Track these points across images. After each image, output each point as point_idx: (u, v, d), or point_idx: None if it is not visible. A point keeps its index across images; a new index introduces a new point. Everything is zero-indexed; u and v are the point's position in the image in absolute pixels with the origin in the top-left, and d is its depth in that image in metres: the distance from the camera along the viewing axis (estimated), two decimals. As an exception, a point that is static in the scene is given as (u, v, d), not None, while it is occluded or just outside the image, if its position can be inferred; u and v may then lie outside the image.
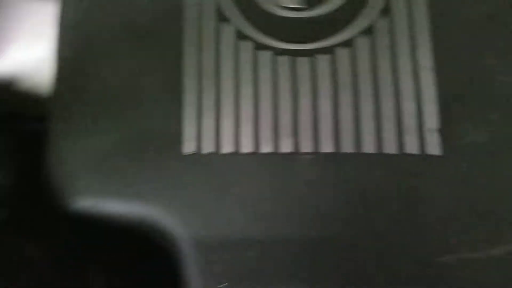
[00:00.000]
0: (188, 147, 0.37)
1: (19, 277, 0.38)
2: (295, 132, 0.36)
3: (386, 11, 0.37)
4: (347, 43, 0.37)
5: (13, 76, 0.47)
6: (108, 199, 0.37)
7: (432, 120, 0.35)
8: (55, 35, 0.41)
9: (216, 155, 0.36)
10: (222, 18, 0.38)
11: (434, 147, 0.35)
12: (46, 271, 0.39)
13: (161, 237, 0.37)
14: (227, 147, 0.36)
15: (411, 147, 0.34)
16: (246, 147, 0.36)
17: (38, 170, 0.40)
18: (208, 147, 0.36)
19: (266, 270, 0.35)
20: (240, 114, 0.36)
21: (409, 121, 0.35)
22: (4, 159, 0.44)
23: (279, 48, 0.37)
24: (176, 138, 0.37)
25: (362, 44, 0.37)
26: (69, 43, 0.40)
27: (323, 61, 0.36)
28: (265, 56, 0.37)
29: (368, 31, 0.37)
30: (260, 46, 0.38)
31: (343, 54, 0.36)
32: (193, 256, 0.36)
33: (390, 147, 0.34)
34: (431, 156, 0.35)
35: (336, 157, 0.35)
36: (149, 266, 0.39)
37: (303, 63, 0.37)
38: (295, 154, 0.35)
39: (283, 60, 0.37)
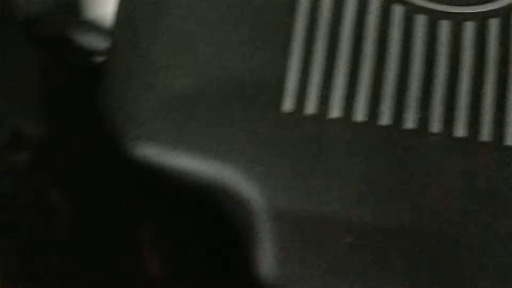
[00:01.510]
0: (288, 104, 0.31)
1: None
2: (424, 107, 0.30)
3: None
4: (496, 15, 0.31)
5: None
6: (178, 151, 0.31)
7: None
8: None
9: (320, 118, 0.30)
10: None
11: None
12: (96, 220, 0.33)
13: (234, 204, 0.31)
14: (335, 111, 0.30)
15: None
16: (359, 114, 0.30)
17: (98, 109, 0.34)
18: (312, 108, 0.31)
19: (357, 261, 0.30)
20: (357, 75, 0.30)
21: None
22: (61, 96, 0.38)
23: (413, 4, 0.31)
24: (274, 92, 0.31)
25: None
26: None
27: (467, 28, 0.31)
28: (397, 10, 0.31)
29: None
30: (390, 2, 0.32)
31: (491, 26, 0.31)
32: (269, 232, 0.30)
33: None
34: None
35: (468, 144, 0.29)
36: (211, 234, 0.33)
37: (443, 27, 0.31)
38: (419, 132, 0.29)
39: (418, 17, 0.31)
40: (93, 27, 0.41)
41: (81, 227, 0.34)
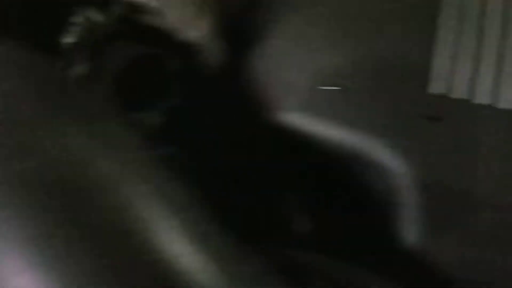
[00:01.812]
0: (436, 86, 0.33)
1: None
2: None
3: None
4: None
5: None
6: (331, 123, 0.34)
7: None
8: None
9: (467, 102, 0.33)
10: None
11: None
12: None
13: (377, 178, 0.34)
14: (483, 97, 0.33)
15: None
16: (507, 102, 0.32)
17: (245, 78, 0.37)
18: (459, 92, 0.33)
19: (495, 236, 0.32)
20: (504, 63, 0.33)
21: None
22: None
23: None
24: (422, 74, 0.33)
25: None
26: None
27: None
28: None
29: None
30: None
31: None
32: (415, 204, 0.33)
33: None
34: None
35: None
36: (355, 201, 0.35)
37: None
38: None
39: None
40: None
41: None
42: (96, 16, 0.53)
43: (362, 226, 0.35)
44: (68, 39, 0.55)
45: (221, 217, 0.26)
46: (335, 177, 0.36)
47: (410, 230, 0.33)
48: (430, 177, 0.33)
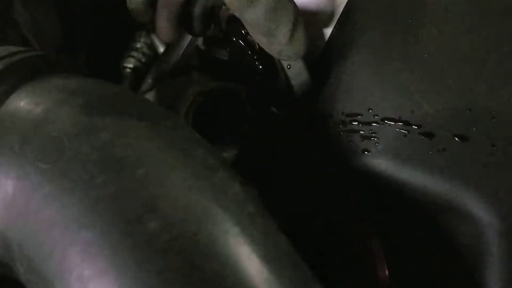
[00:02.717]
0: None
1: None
2: None
3: None
4: None
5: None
6: (418, 169, 0.34)
7: None
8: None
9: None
10: None
11: None
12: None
13: (467, 222, 0.34)
14: None
15: None
16: None
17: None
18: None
19: None
20: None
21: None
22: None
23: None
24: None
25: None
26: None
27: None
28: None
29: None
30: None
31: None
32: (503, 250, 0.32)
33: None
34: None
35: None
36: (441, 246, 0.36)
37: None
38: None
39: None
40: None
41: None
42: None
43: (446, 276, 0.35)
44: (129, 64, 0.56)
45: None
46: (424, 226, 0.36)
47: (497, 282, 0.33)
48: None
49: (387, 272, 0.35)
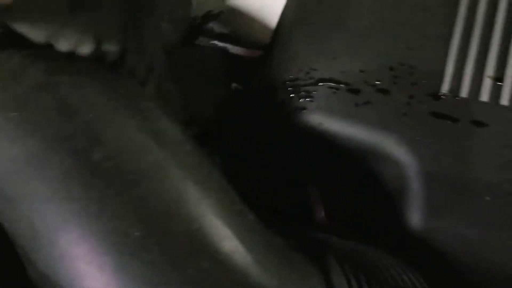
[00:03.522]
0: (446, 87, 0.38)
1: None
2: None
3: None
4: None
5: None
6: (351, 122, 0.39)
7: None
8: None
9: (472, 101, 0.38)
10: None
11: None
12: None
13: (389, 167, 0.39)
14: (484, 96, 0.38)
15: None
16: (505, 99, 0.37)
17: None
18: (465, 92, 0.38)
19: (498, 218, 0.36)
20: (504, 68, 0.38)
21: None
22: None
23: None
24: (435, 76, 0.39)
25: None
26: None
27: None
28: None
29: None
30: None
31: None
32: (421, 190, 0.38)
33: None
34: None
35: None
36: (371, 189, 0.41)
37: None
38: None
39: None
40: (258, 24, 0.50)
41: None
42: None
43: (375, 211, 0.40)
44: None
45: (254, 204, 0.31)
46: (354, 170, 0.41)
47: (420, 214, 0.38)
48: (435, 167, 0.38)
49: (323, 213, 0.40)
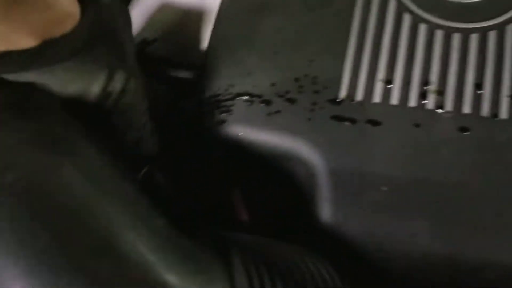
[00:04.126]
0: (343, 93, 0.43)
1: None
2: (441, 93, 0.42)
3: None
4: (496, 27, 0.43)
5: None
6: (264, 130, 0.44)
7: None
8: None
9: (366, 103, 0.43)
10: None
11: None
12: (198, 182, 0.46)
13: (302, 166, 0.44)
14: (377, 98, 0.43)
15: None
16: (394, 99, 0.42)
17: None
18: (360, 96, 0.43)
19: (394, 206, 0.41)
20: (393, 72, 0.43)
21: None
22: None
23: (434, 23, 0.44)
24: (334, 85, 0.44)
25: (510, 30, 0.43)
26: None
27: (472, 39, 0.43)
28: (422, 28, 0.44)
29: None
30: (418, 19, 0.44)
31: (491, 36, 0.43)
32: (327, 186, 0.42)
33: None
34: None
35: (473, 118, 0.41)
36: (286, 189, 0.45)
37: (454, 38, 0.43)
38: (437, 111, 0.42)
39: (438, 33, 0.44)
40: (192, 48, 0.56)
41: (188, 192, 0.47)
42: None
43: (291, 209, 0.45)
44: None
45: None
46: (271, 173, 0.46)
47: (326, 208, 0.43)
48: (339, 164, 0.42)
49: (245, 213, 0.45)
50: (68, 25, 0.35)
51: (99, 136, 0.35)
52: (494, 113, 0.40)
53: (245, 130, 0.45)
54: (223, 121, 0.45)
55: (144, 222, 0.31)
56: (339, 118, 0.43)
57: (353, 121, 0.42)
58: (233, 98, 0.46)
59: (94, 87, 0.38)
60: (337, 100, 0.43)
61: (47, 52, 0.34)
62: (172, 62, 0.55)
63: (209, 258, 0.32)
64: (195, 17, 0.55)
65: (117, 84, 0.40)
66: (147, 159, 0.44)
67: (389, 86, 0.42)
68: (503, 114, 0.40)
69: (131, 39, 0.43)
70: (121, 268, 0.29)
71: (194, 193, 0.46)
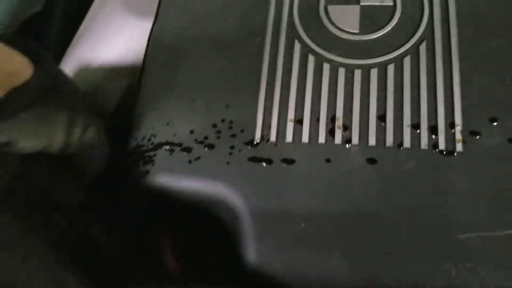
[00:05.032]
0: (258, 135, 0.45)
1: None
2: (347, 128, 0.44)
3: (426, 38, 0.47)
4: (393, 61, 0.46)
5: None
6: (187, 177, 0.46)
7: (458, 124, 0.43)
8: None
9: (280, 143, 0.45)
10: (294, 36, 0.48)
11: (458, 145, 0.43)
12: (128, 234, 0.47)
13: (225, 210, 0.45)
14: (289, 137, 0.45)
15: (442, 144, 0.43)
16: (305, 137, 0.44)
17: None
18: (273, 137, 0.45)
19: (313, 239, 0.42)
20: (302, 111, 0.45)
21: (441, 123, 0.43)
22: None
23: (336, 61, 0.46)
24: (249, 128, 0.46)
25: (406, 63, 0.46)
26: (162, 49, 0.50)
27: (373, 73, 0.45)
28: (326, 67, 0.46)
29: (412, 52, 0.46)
30: (321, 59, 0.47)
31: (389, 69, 0.45)
32: (251, 225, 0.43)
33: (425, 144, 0.43)
34: (455, 152, 0.42)
35: (379, 149, 0.43)
36: (213, 232, 0.47)
37: (356, 74, 0.46)
38: (346, 145, 0.43)
39: (341, 70, 0.46)
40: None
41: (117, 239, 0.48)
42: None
43: (220, 253, 0.46)
44: None
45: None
46: (199, 218, 0.47)
47: (252, 247, 0.44)
48: (259, 203, 0.44)
49: (175, 262, 0.46)
50: (21, 80, 0.38)
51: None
52: (398, 143, 0.42)
53: (168, 179, 0.46)
54: (147, 172, 0.46)
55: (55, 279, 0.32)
56: (256, 160, 0.44)
57: (269, 161, 0.44)
58: (155, 148, 0.47)
59: (55, 138, 0.41)
60: (253, 143, 0.44)
61: (7, 103, 0.37)
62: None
63: None
64: (121, 72, 0.57)
65: (77, 133, 0.43)
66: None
67: (299, 125, 0.44)
68: (406, 143, 0.42)
69: (79, 91, 0.45)
70: None
71: (126, 243, 0.47)
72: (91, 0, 0.64)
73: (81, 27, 0.62)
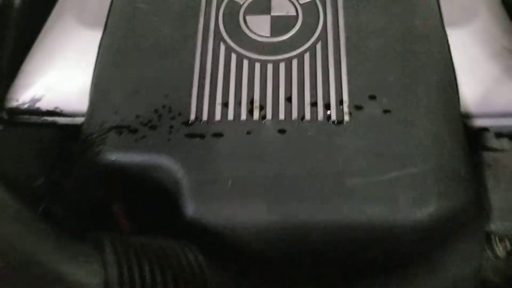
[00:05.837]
0: (192, 116, 0.57)
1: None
2: (263, 107, 0.57)
3: (321, 39, 0.61)
4: (296, 57, 0.60)
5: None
6: (131, 152, 0.56)
7: (346, 101, 0.57)
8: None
9: (210, 122, 0.56)
10: (220, 39, 0.61)
11: (346, 117, 0.56)
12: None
13: (167, 177, 0.55)
14: (217, 116, 0.57)
15: (333, 116, 0.56)
16: (230, 116, 0.56)
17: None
18: (205, 116, 0.57)
19: (238, 194, 0.54)
20: (228, 96, 0.57)
21: (333, 101, 0.57)
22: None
23: (254, 58, 0.60)
24: (185, 110, 0.57)
25: (306, 58, 0.59)
26: (111, 52, 0.62)
27: (281, 67, 0.59)
28: (245, 63, 0.59)
29: (311, 50, 0.60)
30: (242, 57, 0.60)
31: (293, 63, 0.59)
32: (188, 187, 0.54)
33: (321, 117, 0.56)
34: (344, 122, 0.56)
35: (287, 122, 0.56)
36: (158, 197, 0.56)
37: (269, 67, 0.59)
38: (261, 120, 0.56)
39: (257, 65, 0.59)
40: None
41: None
42: None
43: (161, 212, 0.56)
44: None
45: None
46: (146, 186, 0.58)
47: (189, 204, 0.54)
48: (195, 169, 0.55)
49: (127, 225, 0.55)
50: None
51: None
52: (301, 117, 0.55)
53: (118, 156, 0.56)
54: (99, 151, 0.57)
55: (36, 231, 0.41)
56: (191, 135, 0.55)
57: (202, 136, 0.55)
58: (106, 132, 0.57)
59: None
60: (189, 122, 0.56)
61: None
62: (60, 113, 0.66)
63: (86, 249, 0.42)
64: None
65: None
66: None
67: (225, 107, 0.56)
68: (307, 116, 0.55)
69: None
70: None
71: (85, 213, 0.56)
72: (44, 20, 0.74)
73: (36, 42, 0.72)
